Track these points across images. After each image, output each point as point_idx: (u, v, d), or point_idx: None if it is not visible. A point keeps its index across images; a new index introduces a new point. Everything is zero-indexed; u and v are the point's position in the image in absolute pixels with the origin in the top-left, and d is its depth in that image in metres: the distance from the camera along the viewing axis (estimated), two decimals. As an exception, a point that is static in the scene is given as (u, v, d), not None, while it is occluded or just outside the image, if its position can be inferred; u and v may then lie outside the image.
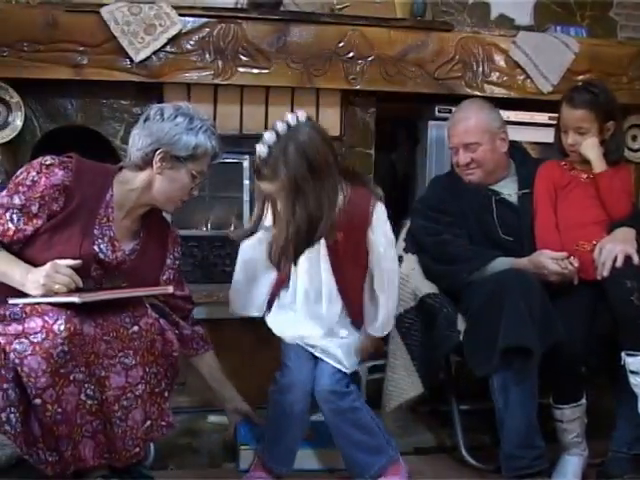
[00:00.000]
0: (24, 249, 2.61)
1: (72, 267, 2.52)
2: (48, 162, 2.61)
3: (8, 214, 2.56)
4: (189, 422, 3.36)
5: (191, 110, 2.73)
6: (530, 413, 2.82)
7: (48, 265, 2.51)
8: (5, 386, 2.38)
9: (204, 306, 3.53)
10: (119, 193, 2.71)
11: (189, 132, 2.65)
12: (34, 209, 2.56)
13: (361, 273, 2.86)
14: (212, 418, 3.42)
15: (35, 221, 2.58)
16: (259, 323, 2.97)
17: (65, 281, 2.50)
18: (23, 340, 2.38)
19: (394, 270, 2.89)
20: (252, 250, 2.89)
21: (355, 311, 2.89)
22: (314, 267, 2.81)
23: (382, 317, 2.87)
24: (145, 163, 2.69)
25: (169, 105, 2.75)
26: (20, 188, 2.58)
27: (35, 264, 2.54)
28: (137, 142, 2.69)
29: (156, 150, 2.65)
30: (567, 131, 3.18)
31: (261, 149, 2.59)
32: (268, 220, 2.77)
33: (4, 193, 2.60)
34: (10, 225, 2.56)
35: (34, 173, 2.59)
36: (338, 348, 2.81)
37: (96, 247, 2.66)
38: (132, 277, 2.76)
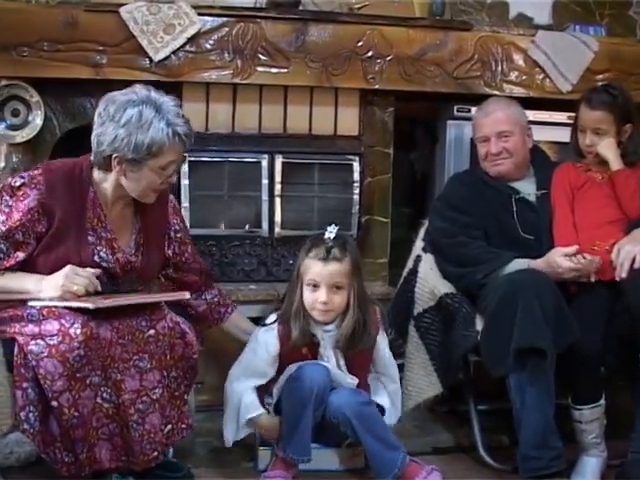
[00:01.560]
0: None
1: None
2: (18, 183, 2.57)
3: None
4: (207, 421, 3.36)
5: (143, 94, 2.61)
6: (547, 413, 2.81)
7: (67, 267, 2.54)
8: (25, 385, 2.41)
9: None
10: (98, 190, 2.68)
11: (139, 130, 2.53)
12: (18, 237, 2.54)
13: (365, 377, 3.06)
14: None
15: (24, 247, 2.57)
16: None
17: (84, 282, 2.52)
18: (39, 341, 2.40)
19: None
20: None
21: None
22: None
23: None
24: (107, 166, 2.62)
25: (117, 96, 2.62)
26: None
27: None
28: (94, 145, 2.62)
29: (110, 156, 2.58)
30: (585, 132, 3.19)
31: (329, 233, 2.88)
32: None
33: None
34: (1, 255, 2.55)
35: (7, 197, 2.57)
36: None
37: (96, 257, 2.65)
38: (144, 272, 2.78)
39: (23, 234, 2.54)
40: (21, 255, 2.58)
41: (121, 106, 2.56)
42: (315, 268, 2.87)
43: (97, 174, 2.68)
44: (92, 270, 2.58)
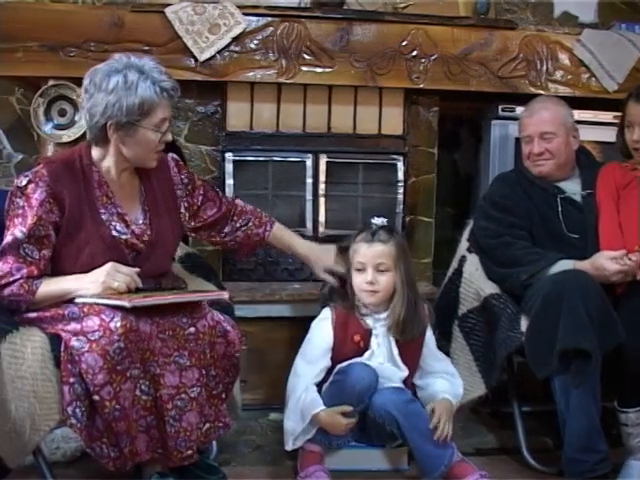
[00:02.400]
0: (54, 271, 2.64)
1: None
2: (24, 183, 2.59)
3: (22, 251, 2.57)
4: (251, 420, 3.37)
5: (124, 61, 2.63)
6: (592, 416, 2.78)
7: (109, 264, 2.57)
8: (72, 380, 2.44)
9: (266, 304, 3.56)
10: (101, 168, 2.71)
11: (128, 93, 2.57)
12: (39, 232, 2.57)
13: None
14: (273, 415, 3.43)
15: (47, 242, 2.60)
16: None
17: (126, 279, 2.54)
18: (81, 337, 2.42)
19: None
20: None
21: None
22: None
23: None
24: (104, 137, 2.65)
25: (99, 67, 2.64)
26: (16, 221, 2.59)
27: None
28: (87, 120, 2.66)
29: (105, 125, 2.61)
30: (633, 127, 3.16)
31: (376, 220, 2.98)
32: None
33: (7, 233, 2.60)
34: (30, 259, 2.57)
35: (18, 200, 2.60)
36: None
37: (114, 232, 2.68)
38: (160, 244, 2.79)
39: (43, 227, 2.57)
40: (47, 253, 2.61)
41: (105, 75, 2.60)
42: (361, 250, 2.94)
43: (96, 153, 2.72)
44: (134, 269, 2.61)
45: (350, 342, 2.95)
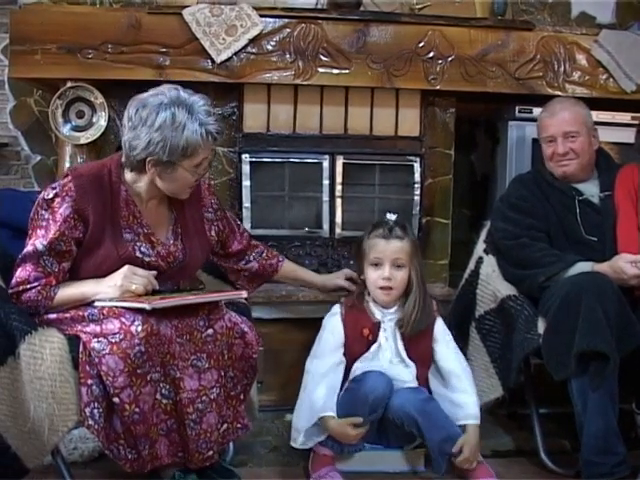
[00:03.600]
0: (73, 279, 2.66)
1: None
2: (50, 196, 2.60)
3: (42, 262, 2.58)
4: (268, 421, 3.37)
5: (172, 96, 2.60)
6: (610, 418, 2.76)
7: (125, 267, 2.58)
8: (90, 382, 2.44)
9: (282, 305, 3.58)
10: (130, 189, 2.71)
11: (174, 133, 2.54)
12: (60, 247, 2.58)
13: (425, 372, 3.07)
14: (289, 417, 3.41)
15: (67, 256, 2.61)
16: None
17: (143, 282, 2.56)
18: (101, 339, 2.43)
19: (466, 368, 3.08)
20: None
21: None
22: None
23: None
24: (141, 169, 2.65)
25: (148, 99, 2.62)
26: (39, 232, 2.60)
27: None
28: (126, 149, 2.64)
29: (145, 159, 2.60)
30: (652, 127, 3.15)
31: (390, 216, 3.03)
32: None
33: (28, 242, 2.61)
34: (49, 270, 2.59)
35: (43, 212, 2.61)
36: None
37: (137, 253, 2.68)
38: (188, 260, 2.80)
39: (64, 243, 2.58)
40: (66, 265, 2.62)
41: (153, 110, 2.57)
42: (378, 246, 2.98)
43: (129, 175, 2.71)
44: (151, 272, 2.62)
45: (359, 336, 2.98)
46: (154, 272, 2.64)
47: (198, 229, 2.88)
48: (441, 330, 3.07)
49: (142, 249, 2.69)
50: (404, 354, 2.97)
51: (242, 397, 2.72)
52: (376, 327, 2.98)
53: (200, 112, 2.60)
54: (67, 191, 2.59)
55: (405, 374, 2.96)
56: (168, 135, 2.54)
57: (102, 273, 2.62)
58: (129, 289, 2.54)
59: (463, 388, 2.98)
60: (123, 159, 2.70)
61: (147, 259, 2.68)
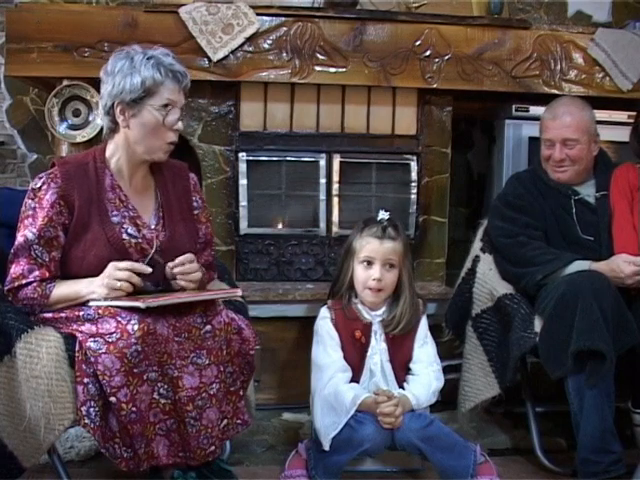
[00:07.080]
0: (63, 273, 2.66)
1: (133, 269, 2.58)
2: (37, 185, 2.62)
3: (33, 252, 2.58)
4: (264, 419, 3.37)
5: (133, 49, 2.67)
6: (606, 417, 2.78)
7: (109, 266, 2.57)
8: (86, 380, 2.44)
9: (279, 304, 3.58)
10: (114, 167, 2.73)
11: (132, 73, 2.59)
12: (49, 234, 2.59)
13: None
14: (286, 415, 3.43)
15: (56, 244, 2.61)
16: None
17: (125, 275, 2.55)
18: (98, 339, 2.43)
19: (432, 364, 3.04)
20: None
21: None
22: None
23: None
24: (114, 123, 2.67)
25: (112, 58, 2.69)
26: (27, 222, 2.61)
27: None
28: (100, 107, 2.71)
29: (112, 106, 2.63)
30: (647, 127, 3.15)
31: (383, 215, 3.00)
32: None
33: (18, 234, 2.62)
34: (41, 261, 2.59)
35: (30, 202, 2.62)
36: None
37: (124, 235, 2.67)
38: (170, 245, 2.76)
39: (52, 229, 2.59)
40: (57, 255, 2.63)
41: (113, 61, 2.65)
42: (371, 245, 2.96)
43: (109, 149, 2.73)
44: (128, 263, 2.60)
45: (352, 338, 2.97)
46: (142, 266, 2.62)
47: (185, 216, 2.86)
48: (423, 331, 3.06)
49: (129, 231, 2.68)
50: (387, 355, 2.97)
51: (241, 393, 2.71)
52: (367, 329, 2.98)
53: (158, 53, 2.65)
54: (53, 178, 2.62)
55: (389, 374, 2.97)
56: (127, 75, 2.60)
57: (91, 258, 2.61)
58: (114, 287, 2.53)
59: (419, 376, 2.98)
60: (104, 130, 2.74)
61: (134, 241, 2.68)
